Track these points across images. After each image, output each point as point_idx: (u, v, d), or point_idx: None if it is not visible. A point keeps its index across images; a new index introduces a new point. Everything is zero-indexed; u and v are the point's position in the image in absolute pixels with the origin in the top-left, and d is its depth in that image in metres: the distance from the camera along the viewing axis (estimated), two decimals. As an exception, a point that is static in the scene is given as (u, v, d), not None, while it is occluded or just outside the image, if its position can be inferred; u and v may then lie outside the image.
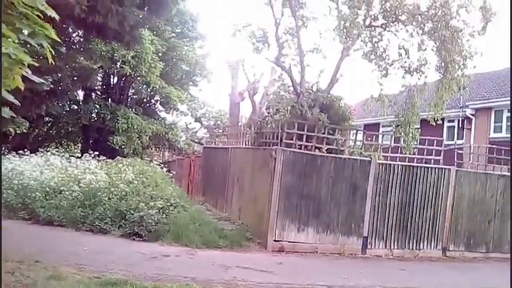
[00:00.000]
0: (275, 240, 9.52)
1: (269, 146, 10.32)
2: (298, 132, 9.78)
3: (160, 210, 10.21)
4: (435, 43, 10.26)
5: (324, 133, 9.99)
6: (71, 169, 12.43)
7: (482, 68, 20.97)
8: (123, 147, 22.07)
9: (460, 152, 11.72)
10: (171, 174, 15.10)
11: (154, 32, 24.23)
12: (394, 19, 10.41)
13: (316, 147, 9.93)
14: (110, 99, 25.04)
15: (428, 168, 10.73)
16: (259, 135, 10.92)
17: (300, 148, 9.83)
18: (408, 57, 11.11)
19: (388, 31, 10.96)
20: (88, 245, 8.48)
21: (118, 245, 8.93)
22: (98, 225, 9.90)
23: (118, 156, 16.67)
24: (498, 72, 23.43)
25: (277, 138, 9.78)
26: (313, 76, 15.22)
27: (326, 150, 10.00)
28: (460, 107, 21.34)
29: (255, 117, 16.51)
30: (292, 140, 9.76)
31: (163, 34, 24.46)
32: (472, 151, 12.41)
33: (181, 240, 9.36)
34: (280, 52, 11.12)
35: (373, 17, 10.60)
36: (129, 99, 26.58)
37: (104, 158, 14.64)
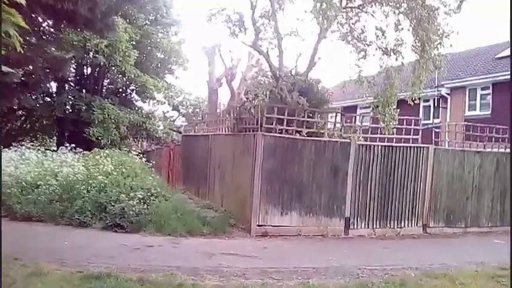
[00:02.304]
0: (259, 225, 9.53)
1: (249, 131, 10.25)
2: (278, 116, 9.74)
3: (141, 201, 10.09)
4: (411, 23, 10.27)
5: (303, 117, 9.98)
6: (47, 163, 12.10)
7: (457, 48, 21.34)
8: (100, 138, 21.56)
9: (437, 130, 11.89)
10: (150, 164, 14.89)
11: (128, 20, 23.68)
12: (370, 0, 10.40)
13: (296, 131, 9.91)
14: (84, 90, 24.38)
15: (407, 147, 10.87)
16: (239, 121, 10.83)
17: (281, 132, 9.80)
18: (385, 38, 11.13)
19: (365, 12, 10.94)
20: (69, 240, 8.30)
21: (100, 237, 8.78)
22: (78, 219, 9.69)
23: (95, 148, 16.37)
24: (472, 51, 23.86)
25: (257, 124, 9.71)
26: (292, 60, 15.17)
27: (306, 133, 10.00)
28: (436, 87, 21.67)
29: (233, 103, 16.36)
30: (272, 124, 9.72)
31: (136, 21, 23.87)
32: (448, 129, 12.63)
33: (164, 230, 9.28)
34: (257, 36, 10.98)
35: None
36: (104, 90, 25.94)
37: (81, 150, 14.40)
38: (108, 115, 22.01)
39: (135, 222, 9.49)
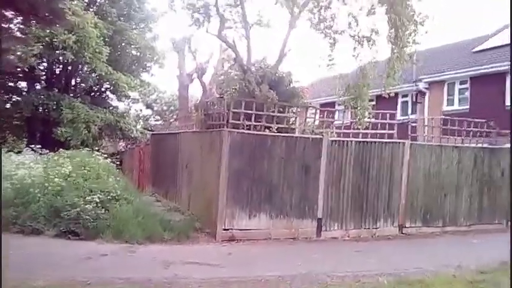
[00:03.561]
0: (225, 229, 8.90)
1: (216, 128, 9.62)
2: (245, 111, 9.13)
3: (99, 205, 9.39)
4: (384, 6, 9.69)
5: (273, 111, 9.39)
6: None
7: (434, 43, 21.08)
8: (69, 139, 20.72)
9: (414, 124, 11.44)
10: (114, 165, 14.18)
11: (98, 15, 22.81)
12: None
13: (265, 127, 9.33)
14: (54, 88, 23.49)
15: (382, 143, 10.38)
16: (206, 118, 10.19)
17: (249, 129, 9.19)
18: (357, 25, 10.54)
19: None
20: (15, 249, 7.53)
21: (51, 246, 8.06)
22: (30, 225, 8.92)
23: (60, 149, 15.63)
24: (449, 46, 23.67)
25: (223, 120, 9.08)
26: (261, 51, 14.48)
27: (276, 129, 9.41)
28: (414, 82, 21.41)
29: (205, 99, 15.66)
30: (239, 120, 9.11)
31: (108, 17, 23.02)
32: (426, 123, 12.21)
33: (122, 236, 8.60)
34: (222, 24, 10.30)
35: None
36: (75, 88, 25.07)
37: (47, 151, 13.64)
38: (78, 114, 21.18)
39: (91, 228, 8.80)
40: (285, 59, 10.50)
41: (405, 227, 10.60)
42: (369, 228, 10.13)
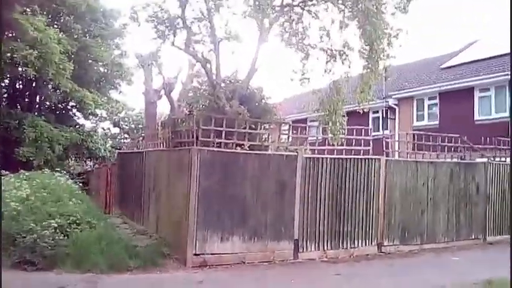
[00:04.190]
0: (195, 254, 8.28)
1: (185, 146, 9.08)
2: (215, 128, 8.66)
3: (58, 230, 8.61)
4: (358, 18, 9.50)
5: (245, 128, 8.95)
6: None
7: (403, 60, 21.32)
8: (31, 159, 19.67)
9: (388, 140, 11.23)
10: (79, 186, 13.40)
11: (63, 31, 22.06)
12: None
13: (237, 144, 8.86)
14: (17, 106, 22.44)
15: (357, 159, 10.09)
16: (173, 135, 9.64)
17: (219, 146, 8.71)
18: (329, 39, 10.33)
19: (307, 10, 10.11)
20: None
21: (2, 279, 7.24)
22: (-19, 256, 8.09)
23: (21, 170, 14.75)
24: (418, 63, 24.13)
25: (192, 137, 8.56)
26: (232, 66, 14.03)
27: (248, 147, 8.96)
28: (384, 98, 21.63)
29: (173, 116, 15.08)
30: (209, 137, 8.61)
31: (73, 33, 22.28)
32: (399, 139, 12.05)
33: (83, 265, 7.85)
34: (189, 38, 9.86)
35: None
36: (40, 106, 24.04)
37: (7, 173, 12.75)
38: (41, 133, 20.16)
39: (49, 256, 8.02)
40: (256, 74, 10.19)
41: (384, 245, 10.27)
42: (347, 248, 9.74)
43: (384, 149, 10.68)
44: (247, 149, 8.95)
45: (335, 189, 9.72)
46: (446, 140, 11.58)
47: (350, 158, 9.97)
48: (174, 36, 10.11)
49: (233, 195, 8.72)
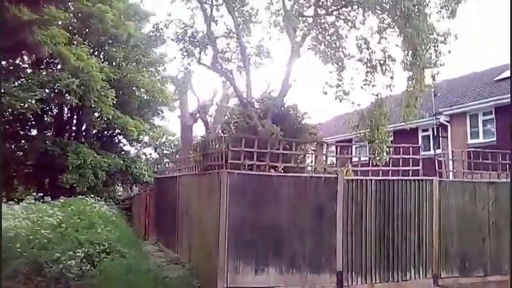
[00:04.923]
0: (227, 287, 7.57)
1: (215, 169, 8.51)
2: (246, 149, 8.02)
3: (86, 260, 8.26)
4: (397, 24, 8.62)
5: (278, 149, 8.25)
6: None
7: (452, 74, 20.06)
8: (74, 185, 19.97)
9: (441, 159, 10.13)
10: (117, 212, 13.22)
11: (105, 58, 22.69)
12: (344, 2, 8.82)
13: (270, 166, 8.16)
14: (65, 134, 23.12)
15: (406, 181, 9.08)
16: (204, 158, 9.10)
17: (251, 169, 8.05)
18: (368, 48, 9.45)
19: (342, 18, 9.39)
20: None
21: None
22: (9, 287, 7.81)
23: (73, 196, 14.99)
24: (469, 76, 22.72)
25: (222, 159, 7.97)
26: (264, 83, 13.39)
27: (283, 169, 8.23)
28: (434, 115, 20.32)
29: (204, 138, 14.69)
30: (240, 159, 7.98)
31: (114, 61, 22.82)
32: (454, 157, 10.89)
33: (108, 299, 7.36)
34: (215, 54, 9.39)
35: (321, 3, 8.99)
36: (85, 133, 24.65)
37: (50, 199, 12.90)
38: (84, 160, 20.53)
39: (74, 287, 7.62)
40: (290, 91, 9.52)
41: (440, 277, 9.07)
42: (398, 281, 8.65)
43: (437, 169, 9.59)
44: (282, 171, 8.23)
45: (382, 215, 8.75)
46: (507, 158, 10.32)
47: (398, 180, 8.98)
48: (200, 53, 9.70)
49: (267, 222, 7.99)
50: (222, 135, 9.53)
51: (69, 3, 21.41)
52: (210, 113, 18.23)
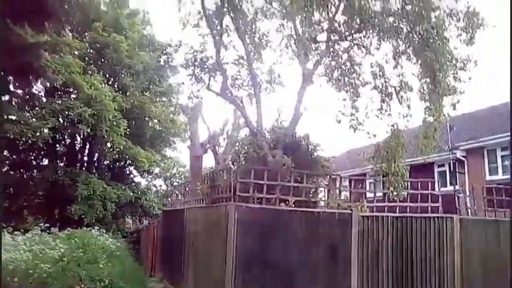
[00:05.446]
0: (233, 332, 7.03)
1: (222, 201, 8.11)
2: (255, 181, 7.64)
3: (82, 298, 7.84)
4: (413, 48, 8.28)
5: (289, 181, 7.85)
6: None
7: (468, 107, 19.57)
8: (83, 217, 19.64)
9: (460, 195, 9.59)
10: (123, 245, 12.83)
11: (118, 88, 22.81)
12: (358, 27, 8.60)
13: (281, 200, 7.74)
14: (76, 164, 23.04)
15: (425, 218, 8.53)
16: (212, 190, 8.73)
17: (260, 202, 7.63)
18: (383, 75, 9.13)
19: (355, 44, 9.14)
20: None
21: None
22: (2, 326, 7.42)
23: (81, 228, 14.69)
24: (485, 110, 22.16)
25: (230, 191, 7.59)
26: (274, 111, 12.99)
27: (294, 203, 7.80)
28: (450, 149, 19.72)
29: (212, 169, 14.31)
30: (248, 192, 7.59)
31: (127, 90, 22.92)
32: (474, 194, 10.33)
33: None
34: (225, 81, 9.18)
35: (334, 29, 8.78)
36: (97, 164, 24.54)
37: (57, 230, 12.62)
38: (94, 191, 20.26)
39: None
40: (302, 120, 9.19)
41: (464, 327, 8.39)
42: (417, 330, 7.99)
43: (457, 205, 9.06)
44: (293, 205, 7.80)
45: (400, 254, 8.18)
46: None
47: (417, 217, 8.44)
48: (210, 79, 9.52)
49: (276, 259, 7.50)
50: (231, 166, 9.19)
51: (86, 33, 21.86)
52: (220, 143, 17.93)
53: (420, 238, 8.41)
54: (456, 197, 9.28)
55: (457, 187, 16.42)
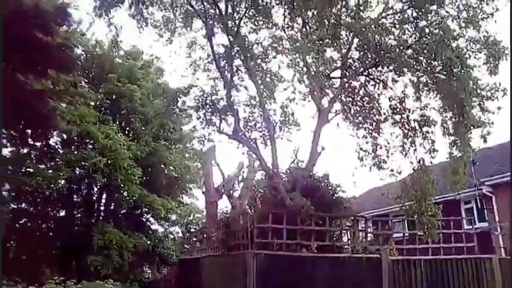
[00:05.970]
0: None
1: (240, 248, 7.58)
2: (274, 226, 7.12)
3: None
4: (435, 80, 7.83)
5: (309, 224, 7.31)
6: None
7: (494, 140, 18.84)
8: (99, 268, 19.05)
9: (497, 233, 8.85)
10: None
11: (132, 136, 22.81)
12: (373, 62, 8.28)
13: (302, 245, 7.17)
14: (91, 214, 22.76)
15: (461, 260, 7.84)
16: (229, 237, 8.22)
17: (280, 248, 7.08)
18: (404, 109, 8.68)
19: (372, 78, 8.79)
20: None
21: None
22: None
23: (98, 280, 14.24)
24: (506, 144, 21.26)
25: (247, 238, 7.08)
26: (290, 151, 12.56)
27: (316, 248, 7.22)
28: (475, 185, 18.74)
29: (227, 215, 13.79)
30: (267, 238, 7.07)
31: (141, 138, 22.91)
32: (504, 232, 9.58)
33: None
34: (236, 123, 8.87)
35: (349, 65, 8.49)
36: (114, 213, 24.20)
37: (72, 283, 12.42)
38: (110, 240, 19.75)
39: None
40: (319, 159, 8.74)
41: None
42: None
43: (494, 245, 8.33)
44: (315, 251, 7.21)
45: (435, 301, 7.45)
46: None
47: (452, 259, 7.75)
48: (221, 122, 9.24)
49: (301, 312, 6.85)
50: (248, 211, 8.72)
51: (102, 84, 22.21)
52: (235, 187, 17.45)
53: (457, 281, 7.68)
54: (493, 236, 8.53)
55: (482, 224, 15.49)
